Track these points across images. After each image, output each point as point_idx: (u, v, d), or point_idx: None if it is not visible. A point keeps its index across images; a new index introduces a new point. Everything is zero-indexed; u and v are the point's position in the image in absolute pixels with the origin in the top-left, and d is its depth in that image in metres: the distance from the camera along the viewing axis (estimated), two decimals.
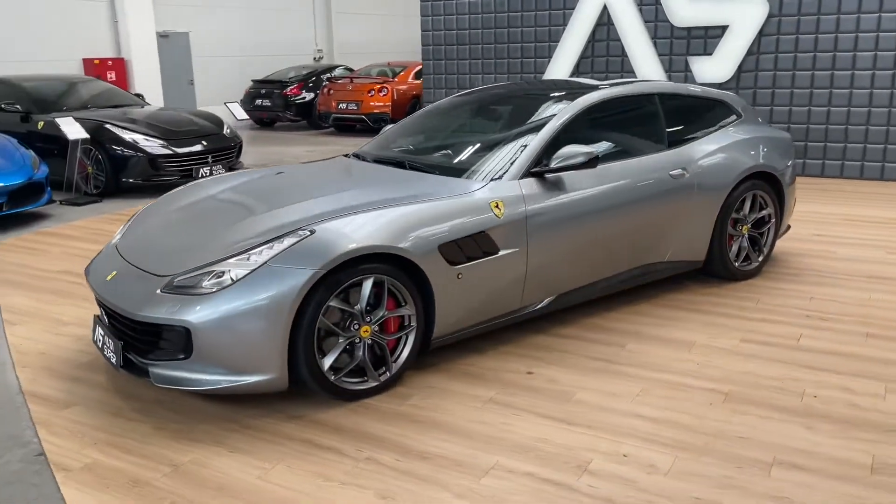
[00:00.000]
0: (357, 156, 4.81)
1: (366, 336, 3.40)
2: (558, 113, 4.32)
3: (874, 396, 3.38)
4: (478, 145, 4.42)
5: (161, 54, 15.74)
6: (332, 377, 3.33)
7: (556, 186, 4.06)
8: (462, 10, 11.00)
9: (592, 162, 4.03)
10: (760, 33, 9.05)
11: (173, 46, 16.19)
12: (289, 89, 16.39)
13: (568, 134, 4.27)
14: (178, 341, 3.18)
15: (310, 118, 16.35)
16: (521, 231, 3.85)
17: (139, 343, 3.33)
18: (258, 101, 16.59)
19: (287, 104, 16.30)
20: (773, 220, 5.17)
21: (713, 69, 9.35)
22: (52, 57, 13.73)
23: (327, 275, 3.22)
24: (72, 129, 8.40)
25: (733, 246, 5.01)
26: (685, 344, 4.03)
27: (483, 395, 3.47)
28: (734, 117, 5.22)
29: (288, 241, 3.28)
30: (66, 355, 4.00)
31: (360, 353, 3.40)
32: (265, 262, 3.20)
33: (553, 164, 4.02)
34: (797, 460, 2.87)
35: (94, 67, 14.33)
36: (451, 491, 2.72)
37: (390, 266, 3.40)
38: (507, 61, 10.80)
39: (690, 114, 5.07)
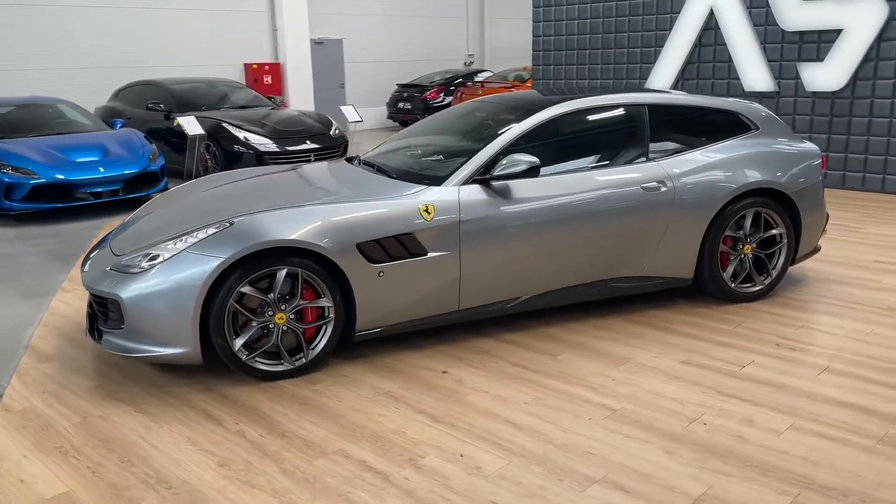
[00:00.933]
0: (357, 158, 5.13)
1: (281, 322, 3.72)
2: (517, 125, 4.37)
3: (770, 432, 3.16)
4: (442, 153, 4.58)
5: (315, 59, 17.01)
6: (244, 356, 3.69)
7: (503, 195, 4.13)
8: (571, 15, 10.96)
9: (533, 171, 4.07)
10: (879, 38, 8.22)
11: (328, 52, 17.43)
12: (428, 93, 17.07)
13: (529, 144, 4.32)
14: (117, 312, 3.69)
15: None
16: (452, 235, 3.98)
17: (99, 313, 3.89)
18: (400, 104, 17.44)
19: (426, 107, 16.97)
20: (785, 242, 4.82)
21: (825, 76, 8.63)
22: (218, 62, 15.33)
23: (239, 263, 3.58)
24: (191, 126, 9.47)
25: (729, 266, 4.74)
26: (619, 360, 3.95)
27: (383, 388, 3.67)
28: (750, 130, 4.93)
29: (209, 231, 3.69)
30: (82, 321, 4.69)
31: (274, 337, 3.73)
32: (184, 249, 3.63)
33: (495, 172, 4.10)
34: (626, 482, 2.81)
35: (253, 71, 15.82)
36: (280, 466, 2.97)
37: (307, 259, 3.70)
38: (613, 67, 10.60)
39: (688, 126, 4.87)
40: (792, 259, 4.96)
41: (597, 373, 3.79)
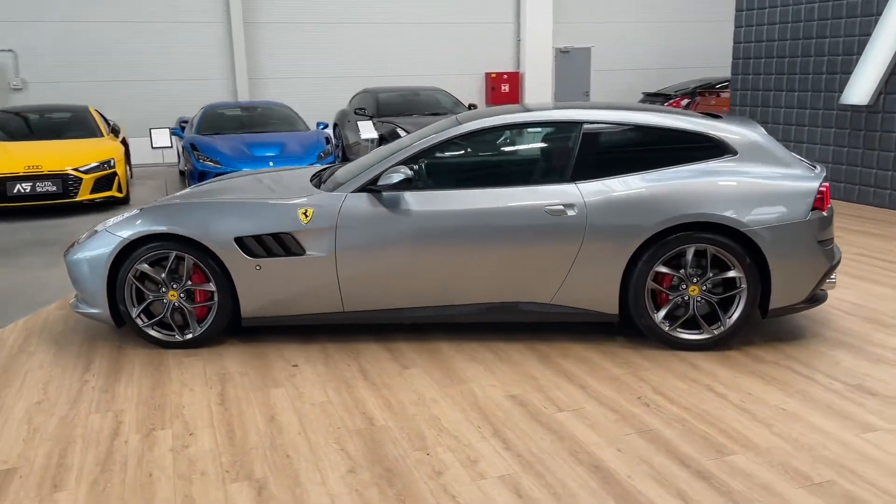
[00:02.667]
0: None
1: (173, 299, 4.34)
2: (425, 139, 4.39)
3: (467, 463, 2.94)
4: (367, 161, 4.71)
5: (559, 68, 17.26)
6: (141, 322, 4.38)
7: (391, 206, 4.23)
8: (773, 19, 9.77)
9: (405, 184, 4.13)
10: None
11: (573, 60, 17.53)
12: (669, 102, 16.26)
13: (440, 158, 4.36)
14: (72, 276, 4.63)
15: None
16: (329, 239, 4.21)
17: None
18: None
19: None
20: (745, 288, 4.11)
21: None
22: (460, 72, 16.44)
23: (137, 243, 4.27)
24: (366, 130, 10.53)
25: (665, 307, 4.19)
26: (458, 380, 3.85)
27: (215, 371, 4.08)
28: (725, 155, 4.26)
29: (123, 215, 4.43)
30: None
31: (165, 311, 4.36)
32: (105, 227, 4.42)
33: (379, 183, 4.22)
34: None
35: (491, 80, 16.61)
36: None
37: (191, 247, 4.25)
38: (811, 77, 9.25)
39: (639, 148, 4.36)
40: (763, 310, 4.20)
41: (411, 388, 3.77)
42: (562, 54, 17.37)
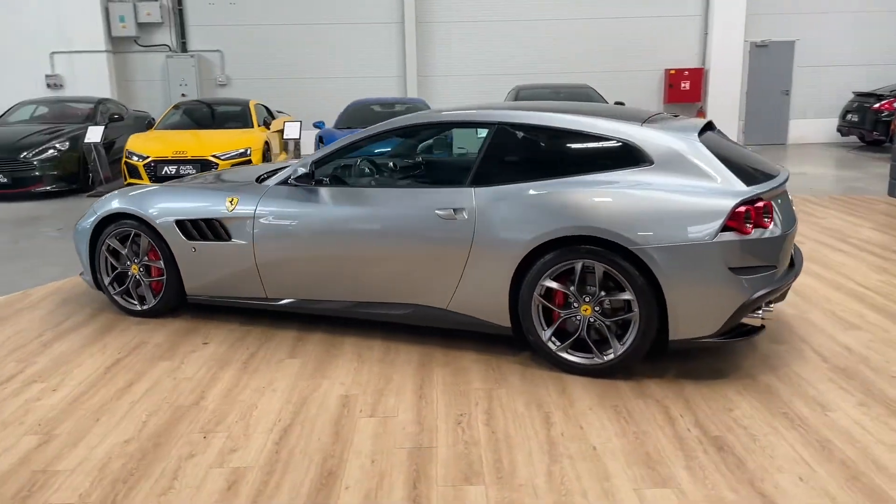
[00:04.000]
0: None
1: (134, 272, 4.90)
2: (347, 138, 4.46)
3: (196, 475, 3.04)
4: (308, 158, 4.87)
5: (753, 64, 15.76)
6: (112, 290, 4.99)
7: (300, 199, 4.39)
8: None
9: (306, 178, 4.29)
10: None
11: (771, 56, 15.87)
12: (880, 104, 14.16)
13: (357, 156, 4.42)
14: None
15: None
16: (248, 227, 4.48)
17: None
18: (848, 116, 14.90)
19: (876, 120, 14.18)
20: (636, 312, 3.66)
21: None
22: (637, 67, 15.71)
23: (109, 220, 4.89)
24: None
25: (554, 324, 3.87)
26: (319, 375, 3.91)
27: (138, 339, 4.53)
28: (640, 164, 3.81)
29: (113, 195, 5.04)
30: None
31: (128, 282, 4.93)
32: (93, 204, 5.08)
33: (290, 179, 4.40)
34: None
35: (670, 77, 15.62)
36: None
37: (143, 226, 4.76)
38: None
39: (546, 152, 4.04)
40: (664, 341, 3.71)
41: (276, 379, 3.90)
42: (757, 48, 15.84)
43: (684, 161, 3.77)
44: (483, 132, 4.45)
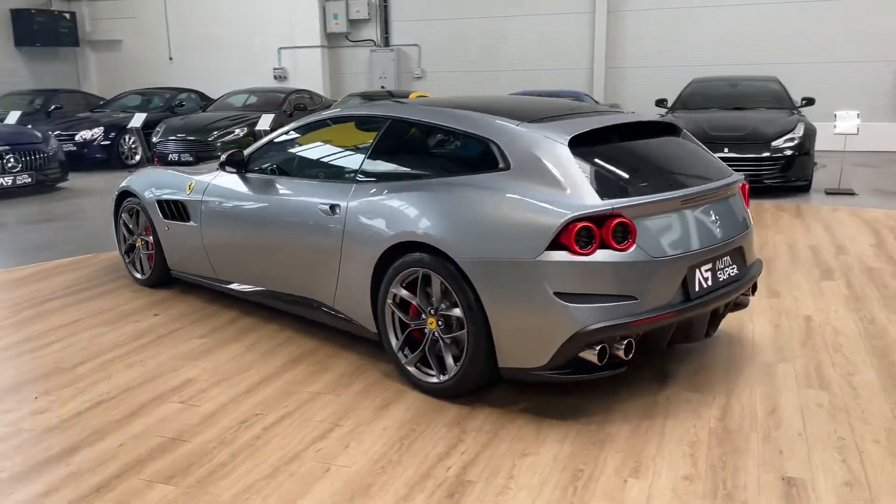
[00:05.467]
0: None
1: (139, 245, 5.45)
2: (284, 128, 4.55)
3: None
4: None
5: None
6: (126, 259, 5.61)
7: (236, 186, 4.56)
8: None
9: (231, 165, 4.51)
10: None
11: None
12: None
13: (287, 146, 4.49)
14: None
15: None
16: (198, 210, 4.77)
17: None
18: None
19: None
20: (465, 330, 3.29)
21: None
22: (866, 58, 13.46)
23: (121, 199, 5.49)
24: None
25: (404, 334, 3.61)
26: (197, 357, 4.07)
27: (123, 306, 5.03)
28: (497, 167, 3.39)
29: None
30: None
31: (135, 254, 5.49)
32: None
33: (225, 164, 4.59)
34: None
35: None
36: None
37: (142, 203, 5.28)
38: None
39: (425, 150, 3.76)
40: (491, 367, 3.28)
41: (174, 357, 4.14)
42: None
43: (539, 167, 3.28)
44: (358, 125, 4.31)
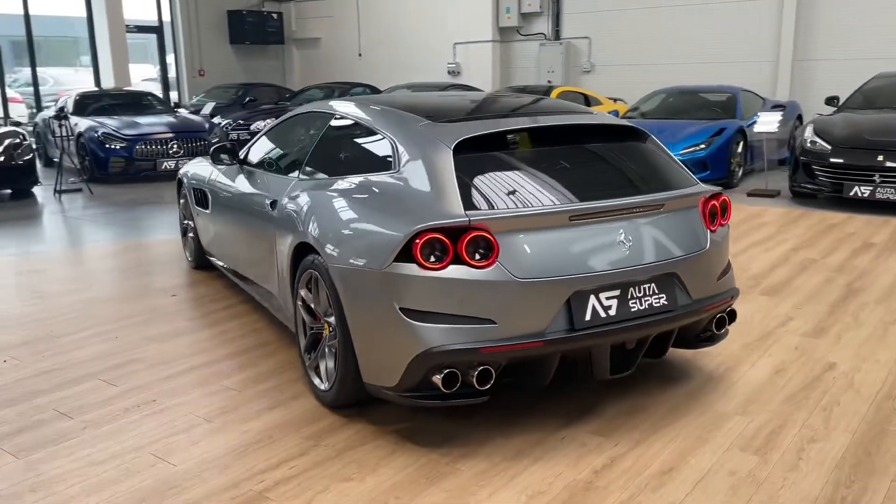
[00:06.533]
0: None
1: (189, 229, 5.86)
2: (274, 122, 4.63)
3: None
4: None
5: None
6: (184, 244, 6.05)
7: (229, 176, 4.73)
8: None
9: (224, 151, 4.66)
10: None
11: None
12: None
13: (270, 139, 4.58)
14: None
15: None
16: (209, 199, 5.02)
17: None
18: None
19: None
20: (338, 338, 3.14)
21: None
22: None
23: (180, 184, 5.94)
24: (766, 124, 8.80)
25: (306, 338, 3.52)
26: (161, 339, 4.30)
27: (165, 283, 5.43)
28: (390, 169, 3.18)
29: None
30: None
31: (185, 233, 5.91)
32: None
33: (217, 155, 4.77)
34: None
35: None
36: None
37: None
38: None
39: (349, 147, 3.60)
40: (352, 378, 3.10)
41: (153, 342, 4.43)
42: None
43: (418, 171, 3.04)
44: (320, 122, 4.22)
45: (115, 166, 10.47)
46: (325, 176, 3.61)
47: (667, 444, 2.99)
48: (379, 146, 3.37)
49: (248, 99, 15.65)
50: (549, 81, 15.81)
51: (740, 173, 9.54)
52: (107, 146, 10.45)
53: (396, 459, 2.90)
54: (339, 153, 3.72)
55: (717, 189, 3.38)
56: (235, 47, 19.53)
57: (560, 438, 3.04)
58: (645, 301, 3.00)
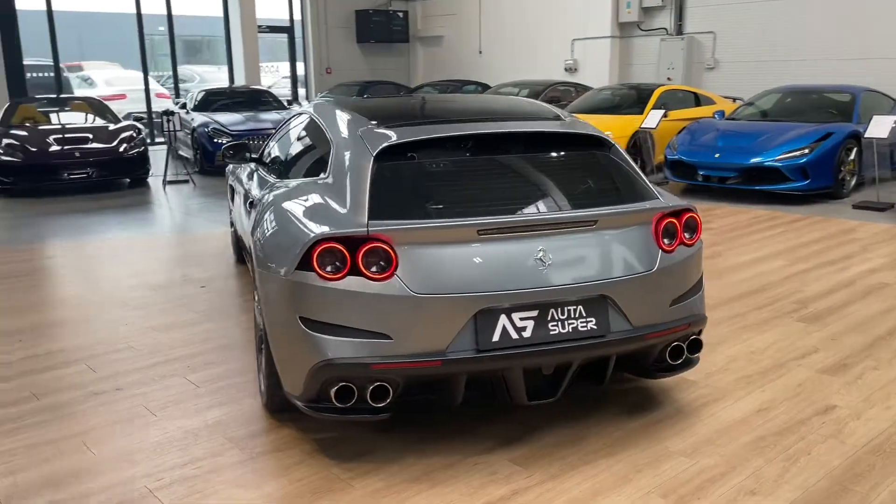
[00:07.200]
0: None
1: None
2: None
3: None
4: None
5: None
6: None
7: (239, 174, 4.86)
8: None
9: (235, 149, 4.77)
10: None
11: None
12: None
13: (274, 140, 4.66)
14: None
15: None
16: (234, 194, 5.19)
17: None
18: None
19: None
20: (265, 341, 3.14)
21: None
22: None
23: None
24: (880, 127, 7.91)
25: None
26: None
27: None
28: (324, 173, 3.15)
29: None
30: None
31: None
32: None
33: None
34: None
35: None
36: None
37: None
38: None
39: (305, 147, 3.65)
40: (275, 384, 3.08)
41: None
42: None
43: (341, 177, 3.00)
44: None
45: (221, 159, 11.10)
46: (284, 178, 3.64)
47: (584, 480, 2.74)
48: (322, 149, 3.34)
49: (365, 96, 16.11)
50: (668, 79, 15.06)
51: (852, 183, 8.62)
52: (215, 140, 11.09)
53: (299, 470, 2.87)
54: (299, 156, 3.73)
55: (678, 205, 3.05)
56: (362, 46, 20.11)
57: (474, 464, 2.87)
58: (569, 324, 2.77)
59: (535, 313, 2.73)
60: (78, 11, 21.02)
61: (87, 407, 3.44)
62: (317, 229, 2.72)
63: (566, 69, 16.94)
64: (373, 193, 2.80)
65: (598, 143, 3.22)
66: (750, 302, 4.77)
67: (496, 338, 2.70)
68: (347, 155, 3.04)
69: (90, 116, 11.12)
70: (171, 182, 10.45)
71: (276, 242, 2.96)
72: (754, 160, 8.30)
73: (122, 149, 9.91)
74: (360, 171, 2.90)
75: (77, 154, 9.64)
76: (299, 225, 2.85)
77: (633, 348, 2.90)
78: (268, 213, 3.19)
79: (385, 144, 2.96)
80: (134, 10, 16.15)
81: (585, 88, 13.86)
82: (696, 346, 3.10)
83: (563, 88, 13.83)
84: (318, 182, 3.12)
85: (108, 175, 9.93)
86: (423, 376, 2.73)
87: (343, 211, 2.81)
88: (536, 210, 2.81)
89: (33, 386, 3.68)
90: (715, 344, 4.06)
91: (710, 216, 7.63)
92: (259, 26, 17.91)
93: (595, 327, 2.80)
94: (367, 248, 2.65)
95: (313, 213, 2.90)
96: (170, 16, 16.79)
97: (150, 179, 10.62)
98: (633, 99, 11.30)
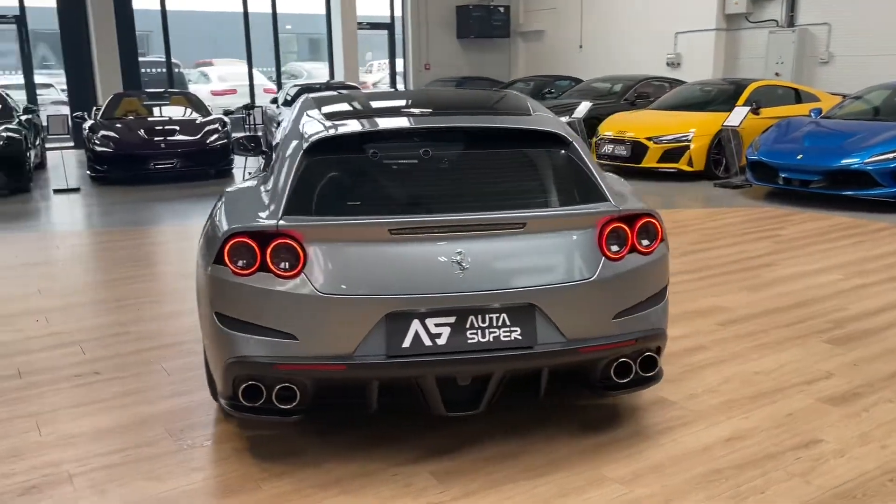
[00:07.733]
0: None
1: None
2: None
3: None
4: None
5: None
6: None
7: None
8: None
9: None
10: None
11: None
12: None
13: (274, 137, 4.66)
14: None
15: None
16: None
17: None
18: None
19: None
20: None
21: None
22: None
23: None
24: None
25: None
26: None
27: None
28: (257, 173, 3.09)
29: None
30: None
31: None
32: None
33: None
34: None
35: None
36: None
37: None
38: None
39: (278, 144, 3.49)
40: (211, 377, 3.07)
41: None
42: None
43: (276, 171, 2.94)
44: None
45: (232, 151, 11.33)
46: (264, 171, 3.62)
47: (499, 501, 2.55)
48: (279, 144, 3.29)
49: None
50: (777, 74, 14.08)
51: None
52: None
53: (222, 466, 2.84)
54: (274, 150, 3.69)
55: (632, 209, 2.78)
56: (462, 41, 20.08)
57: (392, 474, 2.74)
58: (490, 333, 2.58)
59: (451, 320, 2.57)
60: (205, 11, 22.23)
61: (60, 388, 3.56)
62: (232, 224, 2.68)
63: (668, 64, 16.22)
64: (296, 189, 2.72)
65: (554, 140, 2.99)
66: (779, 318, 4.33)
67: (407, 343, 2.55)
68: (285, 149, 2.98)
69: (186, 110, 11.70)
70: (252, 175, 10.81)
71: (205, 237, 2.94)
72: (841, 162, 7.58)
73: (207, 141, 10.35)
74: (290, 165, 2.83)
75: (162, 145, 10.16)
76: (224, 220, 2.82)
77: (566, 362, 2.67)
78: (213, 208, 3.18)
79: (315, 139, 2.87)
80: (241, 9, 16.86)
81: (679, 83, 13.19)
82: (649, 364, 2.81)
83: (656, 84, 13.22)
84: (263, 175, 3.10)
85: (192, 165, 10.39)
86: (331, 380, 2.62)
87: (264, 206, 2.75)
88: (458, 210, 2.64)
89: (22, 365, 3.86)
90: (716, 362, 3.70)
91: (783, 223, 7.04)
92: (359, 23, 18.24)
93: (520, 337, 2.59)
94: (275, 244, 2.58)
95: (244, 208, 2.86)
96: (274, 13, 17.41)
97: (236, 171, 11.03)
98: (727, 95, 10.63)
